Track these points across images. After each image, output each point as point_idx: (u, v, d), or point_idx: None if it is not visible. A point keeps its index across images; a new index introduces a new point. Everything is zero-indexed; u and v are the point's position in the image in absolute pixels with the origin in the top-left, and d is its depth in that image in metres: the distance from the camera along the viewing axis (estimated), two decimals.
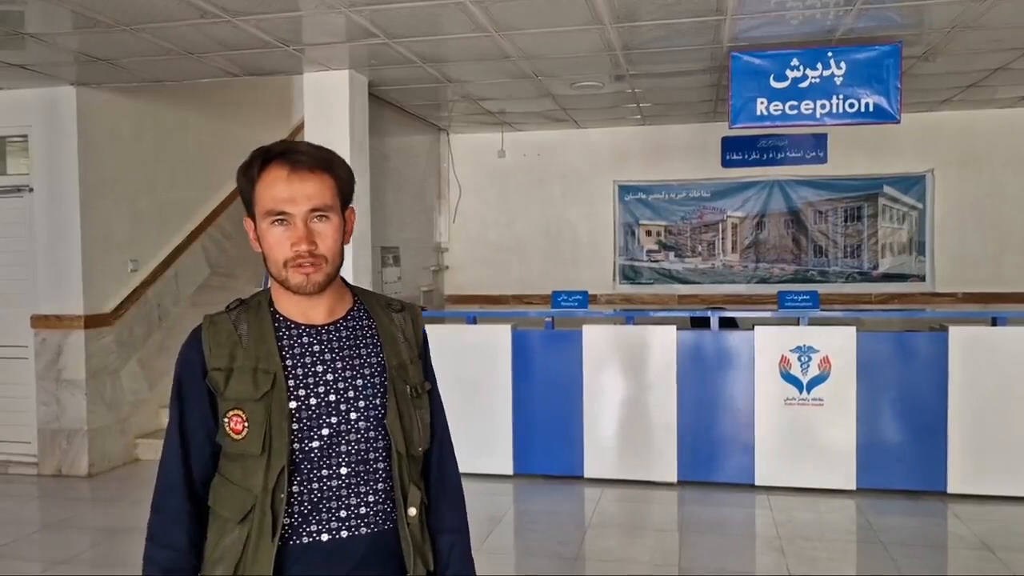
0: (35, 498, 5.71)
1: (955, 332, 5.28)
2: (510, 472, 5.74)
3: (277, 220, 1.49)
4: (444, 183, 9.08)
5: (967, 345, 5.25)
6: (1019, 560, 4.23)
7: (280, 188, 1.48)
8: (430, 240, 8.75)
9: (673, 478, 5.57)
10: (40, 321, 6.10)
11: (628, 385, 5.65)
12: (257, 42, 5.08)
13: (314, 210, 1.49)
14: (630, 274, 8.85)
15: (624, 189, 8.79)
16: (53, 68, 5.59)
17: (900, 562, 4.21)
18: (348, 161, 5.51)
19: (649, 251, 8.81)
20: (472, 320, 6.06)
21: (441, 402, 1.71)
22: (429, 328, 6.68)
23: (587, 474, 5.69)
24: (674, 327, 5.63)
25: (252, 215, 1.54)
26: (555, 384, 5.78)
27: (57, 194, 6.06)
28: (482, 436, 5.74)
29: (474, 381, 5.79)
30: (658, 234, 8.77)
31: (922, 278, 8.22)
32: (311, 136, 5.99)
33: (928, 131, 8.04)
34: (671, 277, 8.77)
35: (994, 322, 5.38)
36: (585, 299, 6.03)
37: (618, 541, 4.70)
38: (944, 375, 5.26)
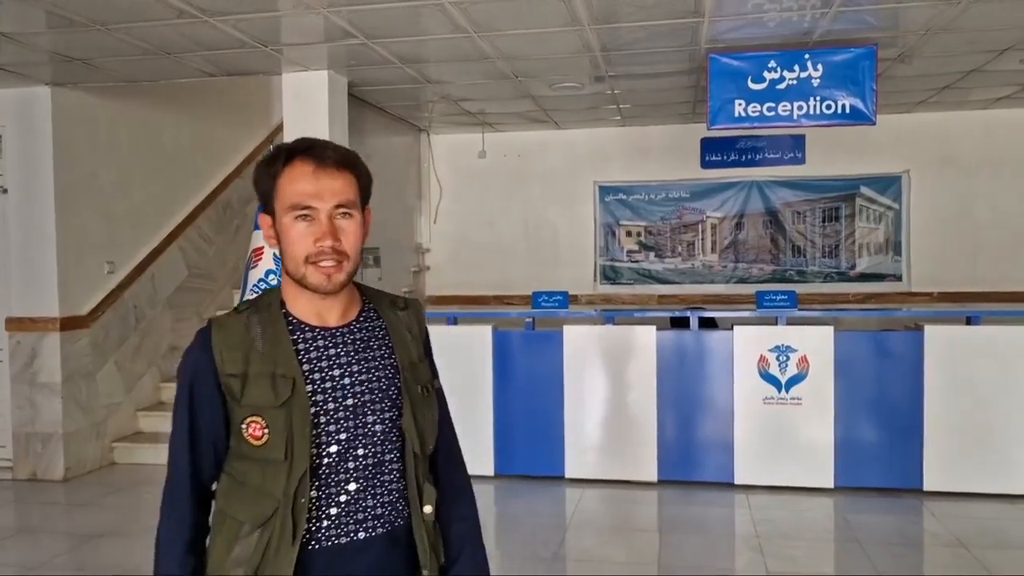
0: (9, 503, 5.64)
1: (931, 331, 5.33)
2: (491, 473, 5.74)
3: (301, 215, 1.49)
4: (425, 184, 9.06)
5: (943, 344, 5.31)
6: (994, 557, 4.28)
7: (306, 183, 1.48)
8: (411, 241, 8.73)
9: (653, 477, 5.59)
10: (14, 323, 6.02)
11: (609, 385, 5.67)
12: (235, 42, 5.05)
13: (339, 206, 1.50)
14: (610, 274, 8.87)
15: (604, 190, 8.82)
16: (27, 68, 5.53)
17: (877, 560, 4.25)
18: None
19: (629, 251, 8.84)
20: (453, 321, 6.05)
21: (444, 396, 1.74)
22: None
23: (568, 474, 5.70)
24: (654, 327, 5.65)
25: (270, 211, 1.54)
26: (536, 384, 5.78)
27: (32, 195, 5.99)
28: (463, 437, 5.66)
29: (455, 382, 5.73)
30: (638, 234, 8.81)
31: (898, 278, 8.31)
32: (290, 137, 5.86)
33: (904, 132, 8.13)
34: (651, 277, 8.80)
35: (969, 321, 5.44)
36: (565, 299, 6.04)
37: (598, 541, 4.71)
38: (920, 374, 5.31)
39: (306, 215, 1.49)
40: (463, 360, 5.78)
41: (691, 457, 5.62)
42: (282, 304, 1.56)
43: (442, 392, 1.72)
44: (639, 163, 8.70)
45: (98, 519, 5.15)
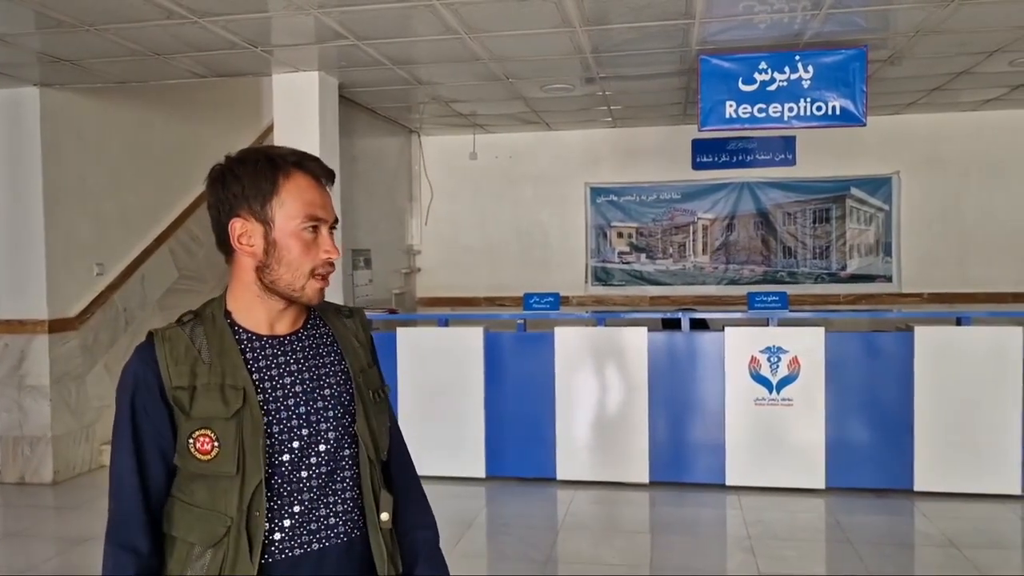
0: None
1: (921, 332, 5.35)
2: (482, 475, 5.72)
3: (313, 226, 1.49)
4: (416, 185, 9.05)
5: (932, 345, 5.32)
6: (984, 557, 4.29)
7: (316, 194, 1.50)
8: (402, 242, 8.71)
9: (645, 479, 5.58)
10: (2, 326, 5.98)
11: (600, 387, 5.67)
12: (225, 43, 5.03)
13: (336, 221, 1.55)
14: (602, 276, 8.87)
15: (595, 191, 8.82)
16: (16, 69, 5.49)
17: (868, 560, 4.26)
18: None
19: (620, 253, 8.84)
20: (444, 323, 6.04)
21: (390, 402, 1.72)
22: (401, 331, 6.61)
23: (559, 476, 5.69)
24: (645, 329, 5.65)
25: (262, 218, 1.47)
26: (527, 386, 5.77)
27: (20, 196, 5.95)
28: (454, 439, 5.73)
29: (446, 383, 5.77)
30: (629, 236, 8.81)
31: (889, 279, 8.34)
32: (280, 139, 5.94)
33: (894, 134, 8.16)
34: (642, 279, 8.81)
35: (958, 322, 5.46)
36: (557, 301, 6.04)
37: (590, 543, 4.71)
38: (910, 374, 5.33)
39: (316, 226, 1.50)
40: (454, 362, 5.77)
41: (683, 458, 5.63)
42: (227, 314, 1.52)
43: (388, 398, 1.69)
44: (630, 164, 8.71)
45: (87, 522, 5.11)
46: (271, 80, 5.97)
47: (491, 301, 8.84)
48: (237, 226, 1.48)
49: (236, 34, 4.86)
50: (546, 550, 4.53)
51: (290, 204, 1.47)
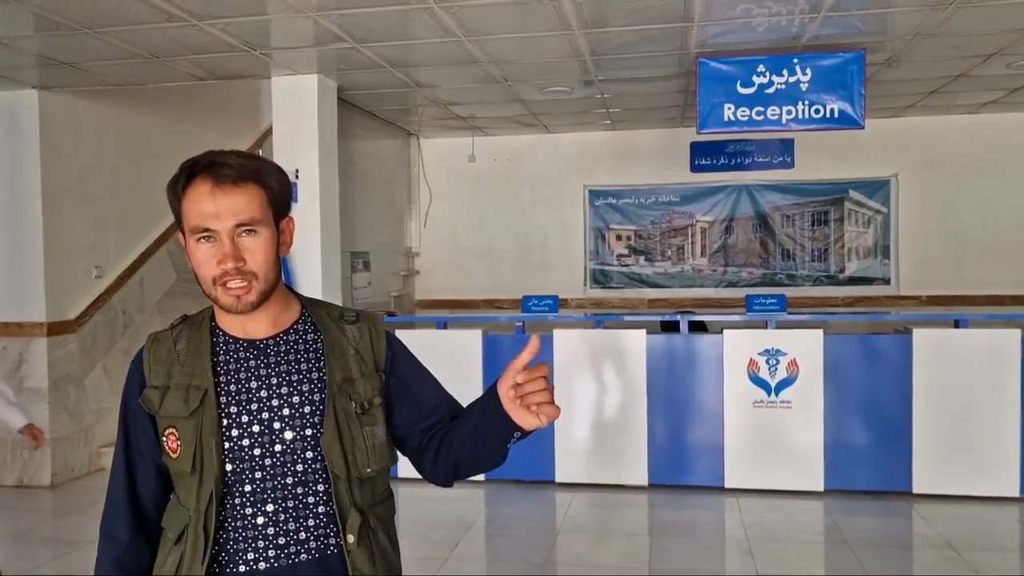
0: None
1: (919, 334, 5.35)
2: (481, 478, 5.71)
3: (203, 237, 1.42)
4: (414, 188, 9.05)
5: (931, 347, 5.33)
6: (982, 559, 4.29)
7: (204, 204, 1.41)
8: (400, 245, 8.72)
9: (644, 481, 5.59)
10: (1, 328, 5.97)
11: (599, 389, 5.67)
12: (224, 46, 5.03)
13: (240, 225, 1.41)
14: (600, 278, 8.88)
15: (594, 194, 8.83)
16: (14, 71, 5.50)
17: (866, 562, 4.26)
18: (317, 166, 5.52)
19: (619, 255, 8.85)
20: (443, 325, 6.04)
21: (433, 381, 1.76)
22: (400, 333, 6.61)
23: (558, 478, 5.69)
24: (644, 331, 5.65)
25: (183, 231, 1.48)
26: None
27: (19, 199, 5.95)
28: None
29: (445, 386, 5.76)
30: (628, 238, 8.82)
31: (887, 281, 8.35)
32: (279, 141, 5.95)
33: (892, 136, 8.17)
34: (641, 281, 8.82)
35: (957, 324, 5.46)
36: (556, 303, 6.04)
37: (589, 546, 4.70)
38: (908, 377, 5.33)
39: (208, 236, 1.42)
40: (453, 365, 5.74)
41: (681, 461, 5.63)
42: (213, 317, 1.54)
43: (427, 384, 1.77)
44: (629, 167, 8.72)
45: (86, 525, 5.10)
46: (270, 83, 5.97)
47: (490, 304, 8.84)
48: (181, 240, 1.51)
49: (235, 37, 4.87)
50: (545, 553, 4.53)
51: (186, 217, 1.45)
